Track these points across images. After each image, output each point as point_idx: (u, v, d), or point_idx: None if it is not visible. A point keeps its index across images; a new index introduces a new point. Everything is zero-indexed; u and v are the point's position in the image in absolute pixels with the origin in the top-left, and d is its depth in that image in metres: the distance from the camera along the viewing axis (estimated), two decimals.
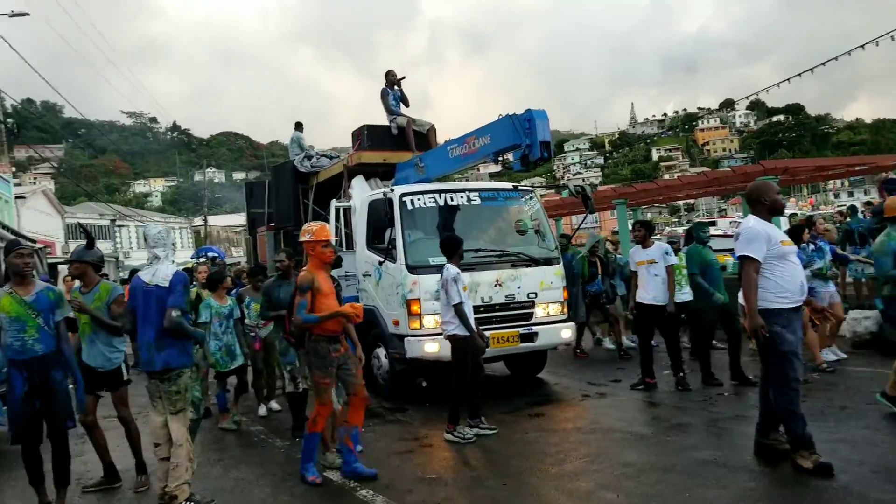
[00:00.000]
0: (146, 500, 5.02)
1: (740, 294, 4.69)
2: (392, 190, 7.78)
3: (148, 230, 4.86)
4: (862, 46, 15.59)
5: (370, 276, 7.93)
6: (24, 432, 4.48)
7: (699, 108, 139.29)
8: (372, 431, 6.40)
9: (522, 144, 6.89)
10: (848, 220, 12.70)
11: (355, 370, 5.19)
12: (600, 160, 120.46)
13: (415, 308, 7.14)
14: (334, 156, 11.06)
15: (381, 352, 7.76)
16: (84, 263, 5.29)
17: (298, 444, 6.18)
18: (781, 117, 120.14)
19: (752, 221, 4.75)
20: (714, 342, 8.15)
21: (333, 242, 5.30)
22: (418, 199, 7.62)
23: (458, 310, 5.93)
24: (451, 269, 6.01)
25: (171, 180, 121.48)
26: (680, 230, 31.64)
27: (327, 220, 9.29)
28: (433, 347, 6.96)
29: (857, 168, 17.78)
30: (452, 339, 6.06)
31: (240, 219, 46.36)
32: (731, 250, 8.81)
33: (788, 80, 17.84)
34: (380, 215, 7.68)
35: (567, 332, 7.85)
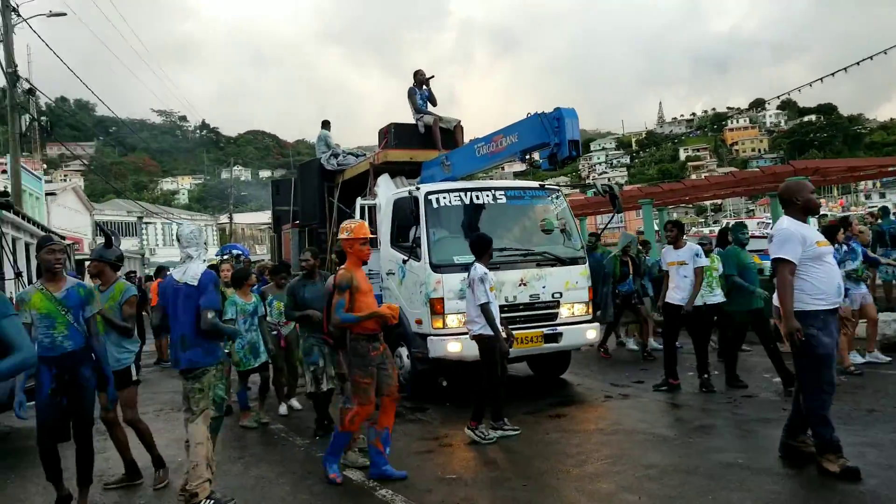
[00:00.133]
0: (166, 496, 5.06)
1: (775, 297, 4.61)
2: (417, 188, 7.78)
3: (181, 230, 4.91)
4: None
5: (394, 274, 7.94)
6: (51, 429, 4.48)
7: (728, 108, 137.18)
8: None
9: (551, 143, 6.85)
10: (879, 221, 12.43)
11: (391, 371, 5.18)
12: (626, 160, 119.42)
13: (438, 307, 7.13)
14: (360, 154, 11.09)
15: (404, 351, 7.77)
16: (102, 262, 5.35)
17: (319, 443, 6.23)
18: (813, 117, 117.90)
19: (786, 223, 4.64)
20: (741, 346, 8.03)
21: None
22: (444, 198, 7.61)
23: (485, 309, 5.89)
24: (479, 269, 5.97)
25: (198, 178, 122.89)
26: (706, 230, 31.28)
27: (352, 218, 9.34)
28: (456, 347, 6.95)
29: (889, 169, 17.46)
30: (479, 338, 6.01)
31: (264, 217, 46.81)
32: (759, 251, 8.72)
33: (821, 79, 17.41)
34: (405, 213, 7.69)
35: (592, 333, 7.78)
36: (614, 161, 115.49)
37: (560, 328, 7.44)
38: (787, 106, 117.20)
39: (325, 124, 11.92)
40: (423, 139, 9.57)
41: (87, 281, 5.65)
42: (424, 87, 9.90)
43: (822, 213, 27.72)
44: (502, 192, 7.93)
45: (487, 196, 7.79)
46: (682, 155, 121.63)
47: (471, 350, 6.53)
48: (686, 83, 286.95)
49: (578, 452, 5.46)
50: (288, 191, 12.61)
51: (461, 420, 6.19)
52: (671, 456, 5.22)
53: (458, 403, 7.30)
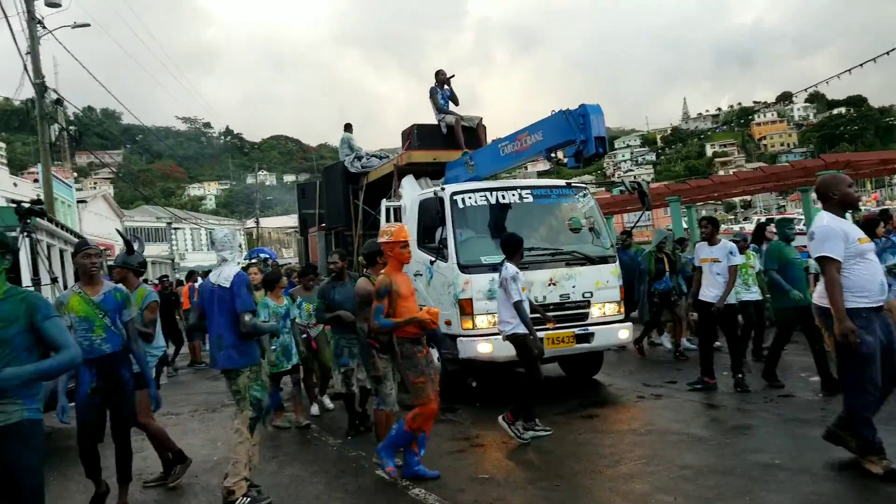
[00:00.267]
0: (202, 494, 5.14)
1: (814, 295, 4.50)
2: (443, 188, 7.77)
3: (215, 234, 5.05)
4: None
5: (421, 275, 7.93)
6: (91, 429, 4.59)
7: (755, 102, 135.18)
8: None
9: (577, 140, 6.78)
10: None
11: (433, 375, 5.18)
12: (652, 157, 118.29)
13: (467, 308, 7.10)
14: (384, 156, 11.13)
15: (434, 352, 7.75)
16: (125, 268, 5.43)
17: (351, 443, 6.28)
18: (843, 109, 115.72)
19: (827, 219, 4.51)
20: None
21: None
22: (469, 198, 7.58)
23: (519, 307, 5.84)
24: (511, 268, 5.92)
25: (224, 184, 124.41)
26: (735, 227, 30.81)
27: (377, 220, 9.36)
28: (486, 348, 6.91)
29: None
30: (513, 338, 5.95)
31: (290, 220, 47.32)
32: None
33: (850, 70, 17.11)
34: (431, 214, 7.67)
35: (625, 333, 7.66)
36: (639, 158, 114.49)
37: (592, 328, 7.35)
38: (816, 99, 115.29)
39: (348, 127, 11.99)
40: (446, 139, 9.55)
41: None
42: (446, 86, 9.89)
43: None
44: (529, 191, 7.87)
45: (514, 195, 7.75)
46: (709, 151, 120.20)
47: (502, 351, 6.51)
48: (710, 78, 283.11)
49: (611, 453, 5.40)
50: (313, 194, 12.71)
51: (491, 420, 6.16)
52: (707, 456, 5.15)
53: (488, 404, 7.28)
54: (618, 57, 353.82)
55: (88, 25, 18.46)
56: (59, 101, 17.81)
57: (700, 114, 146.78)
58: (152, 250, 46.73)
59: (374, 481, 5.16)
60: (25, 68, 15.75)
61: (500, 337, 6.22)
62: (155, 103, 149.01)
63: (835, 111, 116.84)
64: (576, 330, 7.26)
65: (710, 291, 7.23)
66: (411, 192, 8.78)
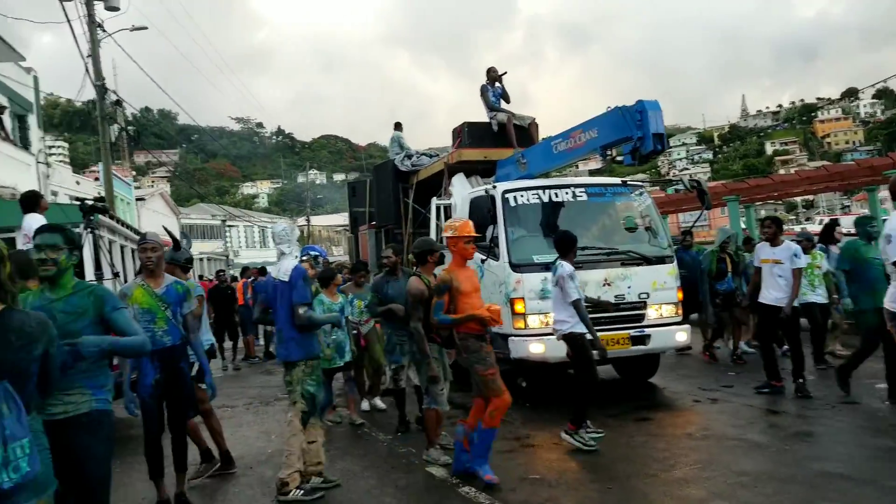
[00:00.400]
0: (256, 485, 5.23)
1: (886, 299, 4.31)
2: (494, 186, 7.70)
3: (274, 228, 5.21)
4: None
5: None
6: (156, 419, 4.66)
7: (818, 99, 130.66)
8: None
9: (634, 137, 6.63)
10: None
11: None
12: (709, 155, 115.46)
13: (519, 307, 7.02)
14: (433, 154, 11.14)
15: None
16: (172, 264, 5.52)
17: (401, 439, 6.31)
18: None
19: None
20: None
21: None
22: (521, 196, 7.51)
23: (577, 305, 5.71)
24: (567, 266, 5.80)
25: (276, 182, 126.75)
26: (796, 228, 29.80)
27: (427, 218, 9.38)
28: (539, 348, 6.81)
29: None
30: (569, 337, 5.80)
31: (340, 218, 47.86)
32: None
33: None
34: (482, 212, 7.61)
35: (682, 336, 7.43)
36: (696, 157, 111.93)
37: (648, 330, 7.18)
38: (884, 94, 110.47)
39: (398, 126, 12.06)
40: (497, 137, 9.46)
41: None
42: (497, 84, 9.82)
43: None
44: (583, 190, 7.73)
45: (567, 193, 7.63)
46: (769, 149, 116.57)
47: (554, 351, 6.42)
48: (770, 73, 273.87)
49: (666, 457, 5.29)
50: (364, 193, 12.81)
51: (542, 421, 6.12)
52: (765, 463, 4.99)
53: (538, 404, 7.23)
54: (673, 53, 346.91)
55: (146, 28, 19.04)
56: (118, 102, 18.41)
57: (759, 111, 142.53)
58: (207, 247, 47.99)
59: (424, 478, 5.19)
60: (87, 70, 16.39)
61: (552, 337, 6.12)
62: (209, 104, 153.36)
63: None
64: (631, 332, 7.10)
65: (770, 294, 6.98)
66: (462, 191, 8.75)
